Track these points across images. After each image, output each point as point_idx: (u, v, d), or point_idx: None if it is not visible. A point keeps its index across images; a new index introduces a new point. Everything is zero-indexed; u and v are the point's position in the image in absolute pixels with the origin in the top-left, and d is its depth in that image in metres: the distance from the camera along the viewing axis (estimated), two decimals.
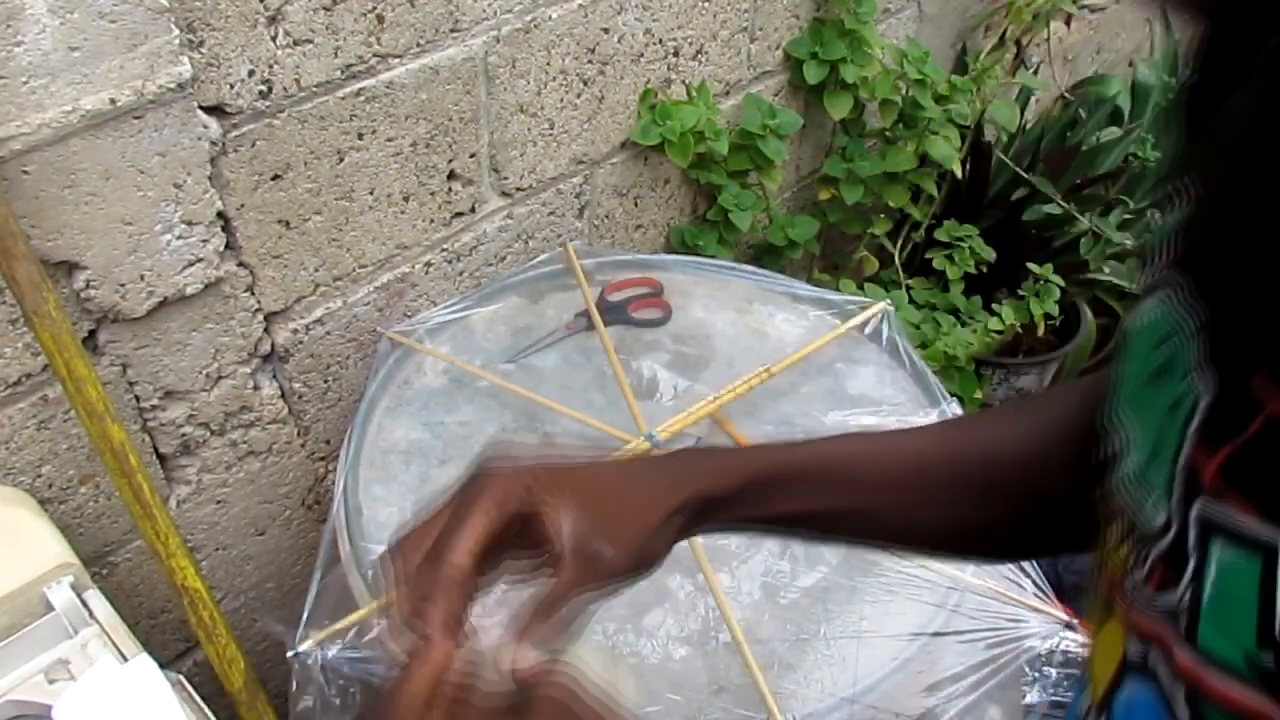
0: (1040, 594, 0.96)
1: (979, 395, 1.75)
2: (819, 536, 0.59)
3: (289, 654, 0.90)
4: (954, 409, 1.13)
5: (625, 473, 0.54)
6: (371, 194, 1.13)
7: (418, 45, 1.08)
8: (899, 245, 1.77)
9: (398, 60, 1.07)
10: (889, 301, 1.27)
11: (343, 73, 1.03)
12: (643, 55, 1.35)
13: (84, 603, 0.85)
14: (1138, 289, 0.43)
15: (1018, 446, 0.57)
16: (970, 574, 0.97)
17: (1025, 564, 0.98)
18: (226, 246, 1.01)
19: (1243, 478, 0.33)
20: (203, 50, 0.91)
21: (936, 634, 0.93)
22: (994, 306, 1.75)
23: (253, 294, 1.07)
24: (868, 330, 1.24)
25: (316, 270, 1.13)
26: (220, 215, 0.99)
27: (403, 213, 1.18)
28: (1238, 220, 0.35)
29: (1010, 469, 0.56)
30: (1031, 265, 1.77)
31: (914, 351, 1.20)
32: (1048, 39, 1.97)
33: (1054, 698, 0.94)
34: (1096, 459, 0.45)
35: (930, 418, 1.12)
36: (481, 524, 0.50)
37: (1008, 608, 0.94)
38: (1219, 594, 0.34)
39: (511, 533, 0.51)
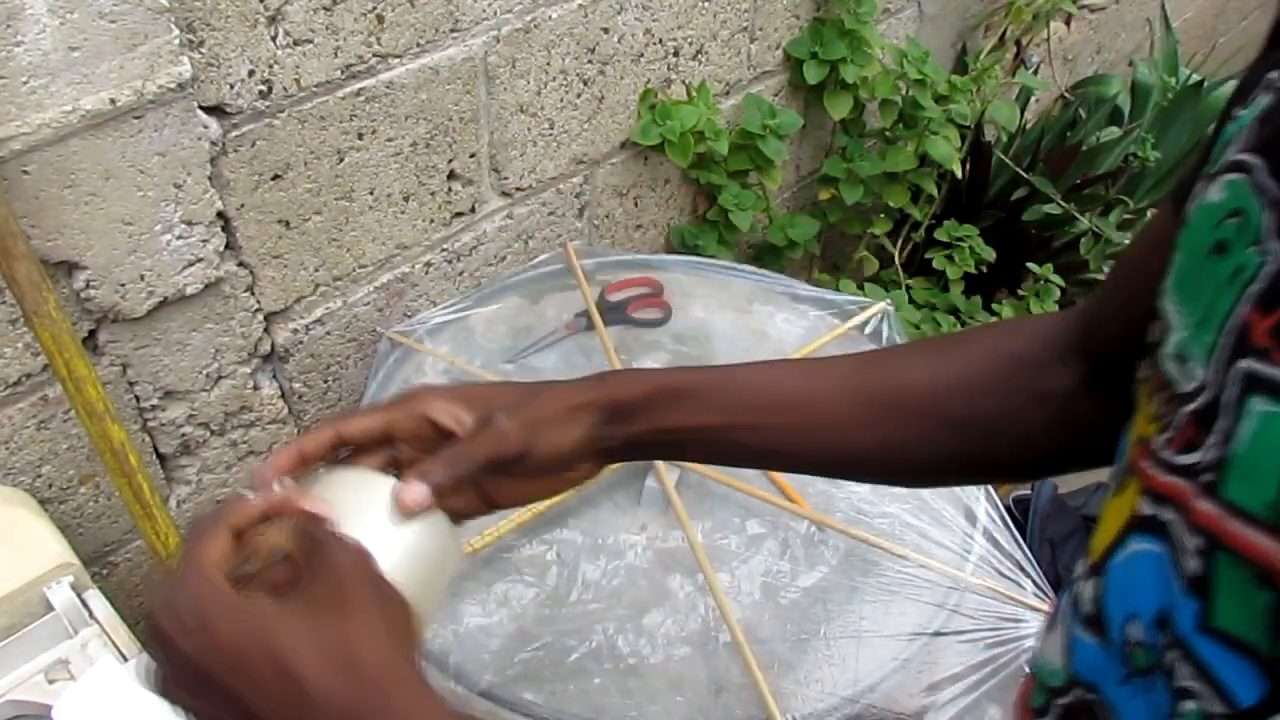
0: (1040, 594, 0.96)
1: None
2: (725, 454, 0.61)
3: None
4: None
5: (538, 385, 0.57)
6: (371, 194, 1.13)
7: (418, 45, 1.08)
8: (899, 245, 1.77)
9: (398, 60, 1.07)
10: (889, 301, 1.27)
11: (343, 73, 1.03)
12: (643, 55, 1.35)
13: (84, 603, 0.85)
14: (1185, 181, 0.45)
15: (932, 372, 0.58)
16: (970, 573, 0.97)
17: (1025, 564, 0.98)
18: (226, 246, 1.01)
19: None
20: (203, 50, 0.91)
21: (936, 634, 0.93)
22: (994, 306, 1.75)
23: (253, 294, 1.07)
24: (868, 330, 1.24)
25: (316, 270, 1.13)
26: (220, 215, 0.99)
27: (403, 213, 1.18)
28: None
29: (922, 393, 0.58)
30: (1031, 265, 1.77)
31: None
32: (1048, 39, 1.97)
33: None
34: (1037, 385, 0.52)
35: None
36: (384, 413, 0.55)
37: (1007, 607, 0.94)
38: (1254, 445, 0.35)
39: (424, 434, 0.55)
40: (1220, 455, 0.36)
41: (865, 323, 1.24)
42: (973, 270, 1.76)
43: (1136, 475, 0.41)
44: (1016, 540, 1.00)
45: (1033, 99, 2.14)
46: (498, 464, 0.55)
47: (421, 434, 0.55)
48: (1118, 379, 0.53)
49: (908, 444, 0.58)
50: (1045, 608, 0.95)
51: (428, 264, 1.25)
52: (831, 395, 0.58)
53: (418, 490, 0.51)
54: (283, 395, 1.17)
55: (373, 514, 0.50)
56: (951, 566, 0.98)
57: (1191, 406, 0.39)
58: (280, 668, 0.42)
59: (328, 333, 1.18)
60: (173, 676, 0.44)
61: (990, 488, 1.05)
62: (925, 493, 1.05)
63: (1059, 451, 0.59)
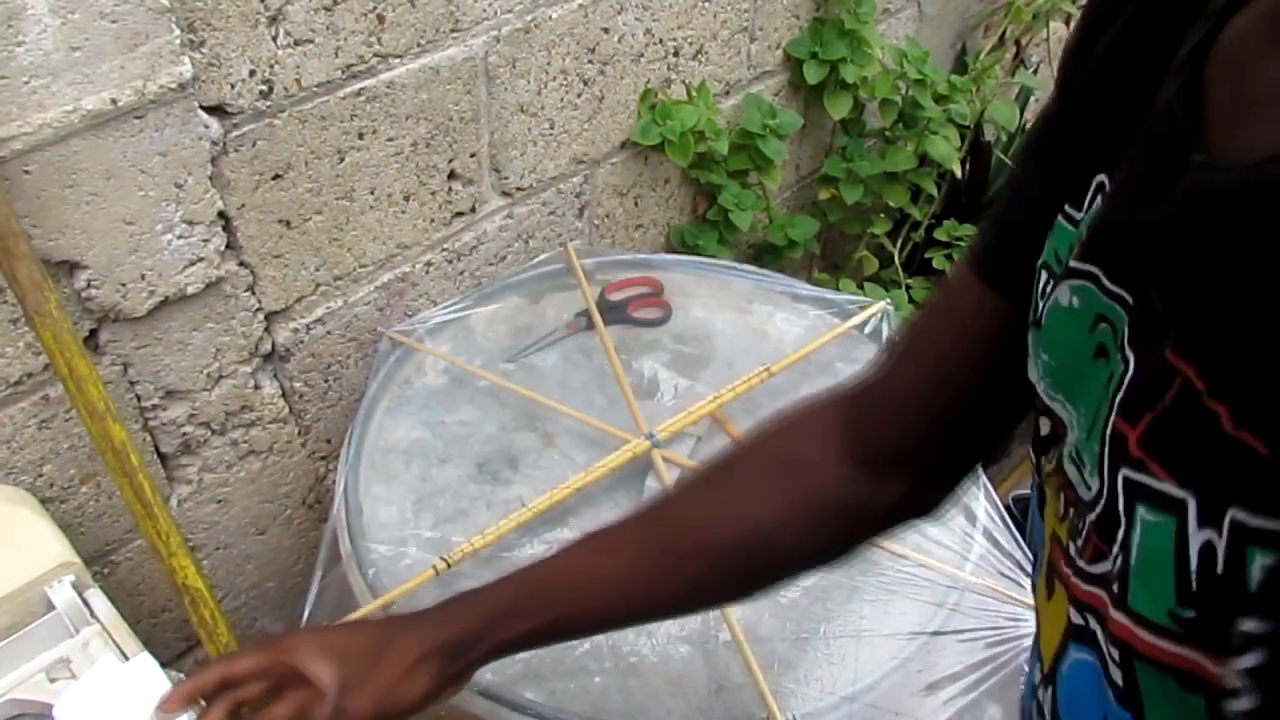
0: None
1: None
2: (564, 638, 0.67)
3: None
4: None
5: (386, 633, 0.63)
6: (372, 194, 1.13)
7: (418, 45, 1.08)
8: (899, 245, 1.77)
9: (398, 60, 1.07)
10: (888, 301, 1.27)
11: (343, 73, 1.03)
12: (643, 55, 1.35)
13: (85, 602, 0.85)
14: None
15: (707, 509, 0.63)
16: (969, 573, 0.97)
17: (1025, 564, 0.98)
18: (227, 246, 1.01)
19: (1160, 445, 0.35)
20: (203, 50, 0.91)
21: (936, 633, 0.93)
22: None
23: (253, 293, 1.07)
24: (868, 330, 1.24)
25: (317, 270, 1.13)
26: (221, 215, 0.99)
27: (403, 212, 1.18)
28: (1149, 213, 0.37)
29: (702, 531, 0.62)
30: None
31: None
32: (1047, 39, 1.97)
33: None
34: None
35: None
36: (263, 657, 0.62)
37: (1007, 607, 0.95)
38: (1143, 555, 0.36)
39: (284, 677, 0.62)
40: (1124, 565, 0.37)
41: (865, 322, 1.24)
42: None
43: (1062, 582, 0.42)
44: (1016, 540, 1.00)
45: (1033, 99, 2.14)
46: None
47: (291, 678, 0.62)
48: (887, 463, 0.57)
49: (703, 579, 0.62)
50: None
51: (428, 264, 1.25)
52: (627, 565, 0.62)
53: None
54: (283, 395, 1.17)
55: None
56: (951, 566, 0.98)
57: (1093, 515, 0.39)
58: None
59: (328, 332, 1.18)
60: None
61: (989, 486, 1.05)
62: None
63: (846, 537, 0.62)
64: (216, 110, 0.95)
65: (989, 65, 1.71)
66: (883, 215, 1.71)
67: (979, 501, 1.03)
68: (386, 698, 0.61)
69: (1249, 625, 0.32)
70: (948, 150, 1.62)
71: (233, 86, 0.94)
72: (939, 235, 1.78)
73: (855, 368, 1.20)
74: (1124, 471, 0.37)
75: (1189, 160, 0.35)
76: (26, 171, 0.84)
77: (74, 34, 0.80)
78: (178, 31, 0.87)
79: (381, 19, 1.03)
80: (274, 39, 0.95)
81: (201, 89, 0.92)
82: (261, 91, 0.97)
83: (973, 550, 0.99)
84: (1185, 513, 0.34)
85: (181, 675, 0.84)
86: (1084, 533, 0.40)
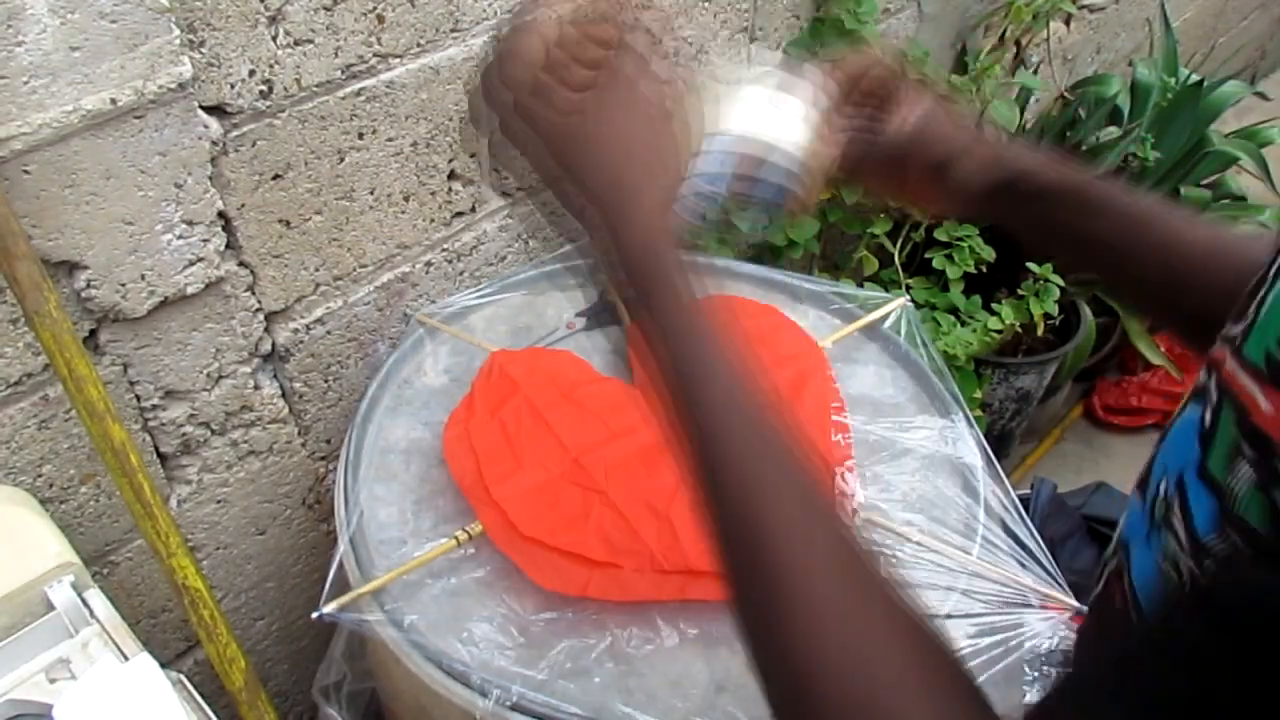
0: (1050, 580, 0.96)
1: (979, 395, 1.75)
2: (1066, 250, 0.72)
3: (314, 615, 0.90)
4: (959, 412, 1.13)
5: (977, 121, 0.70)
6: (372, 194, 1.13)
7: (418, 45, 1.08)
8: (899, 245, 1.77)
9: (398, 60, 1.07)
10: (907, 299, 1.26)
11: (343, 73, 1.03)
12: None
13: (85, 602, 0.85)
14: None
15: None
16: (976, 556, 0.97)
17: (1035, 552, 0.98)
18: (227, 246, 1.01)
19: None
20: (203, 50, 0.91)
21: (948, 616, 0.93)
22: (994, 306, 1.75)
23: (253, 293, 1.07)
24: (887, 324, 1.24)
25: (317, 270, 1.13)
26: (221, 215, 0.99)
27: (403, 212, 1.18)
28: None
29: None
30: (1031, 265, 1.77)
31: (933, 346, 1.20)
32: (1048, 39, 1.97)
33: None
34: None
35: (932, 420, 1.13)
36: (863, 60, 0.72)
37: (1015, 592, 0.95)
38: (1272, 306, 0.40)
39: (878, 91, 0.70)
40: (1253, 319, 0.41)
41: (882, 319, 1.24)
42: (972, 270, 1.76)
43: (1209, 356, 0.46)
44: (1026, 525, 1.01)
45: (1032, 99, 2.14)
46: (910, 159, 0.66)
47: (877, 90, 0.67)
48: None
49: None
50: (1053, 592, 0.95)
51: (428, 264, 1.25)
52: (1214, 266, 0.63)
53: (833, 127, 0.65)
54: (283, 395, 1.17)
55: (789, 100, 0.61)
56: (959, 550, 0.98)
57: (1251, 283, 0.44)
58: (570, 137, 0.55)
59: (328, 332, 1.18)
60: (498, 126, 0.60)
61: (1003, 474, 1.06)
62: (934, 477, 1.05)
63: None
64: (216, 110, 0.95)
65: (989, 65, 1.71)
66: (883, 215, 1.71)
67: (990, 488, 1.03)
68: (963, 155, 0.67)
69: None
70: None
71: (232, 86, 0.94)
72: (939, 235, 1.77)
73: (855, 368, 1.20)
74: None
75: None
76: (26, 171, 0.84)
77: (73, 34, 0.80)
78: (177, 31, 0.86)
79: (381, 19, 1.03)
80: (274, 39, 0.95)
81: (201, 89, 0.92)
82: (261, 91, 0.97)
83: (978, 534, 0.99)
84: None
85: (180, 676, 0.84)
86: (1245, 301, 0.44)
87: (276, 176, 1.03)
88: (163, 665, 0.78)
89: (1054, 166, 0.68)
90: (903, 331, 1.23)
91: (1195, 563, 0.39)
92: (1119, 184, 0.69)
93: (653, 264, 0.53)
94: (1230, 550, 0.37)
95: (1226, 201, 2.20)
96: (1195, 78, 2.16)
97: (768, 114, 0.63)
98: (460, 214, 1.25)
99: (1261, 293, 0.42)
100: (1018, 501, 1.03)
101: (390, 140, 1.11)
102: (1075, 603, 0.96)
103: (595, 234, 0.56)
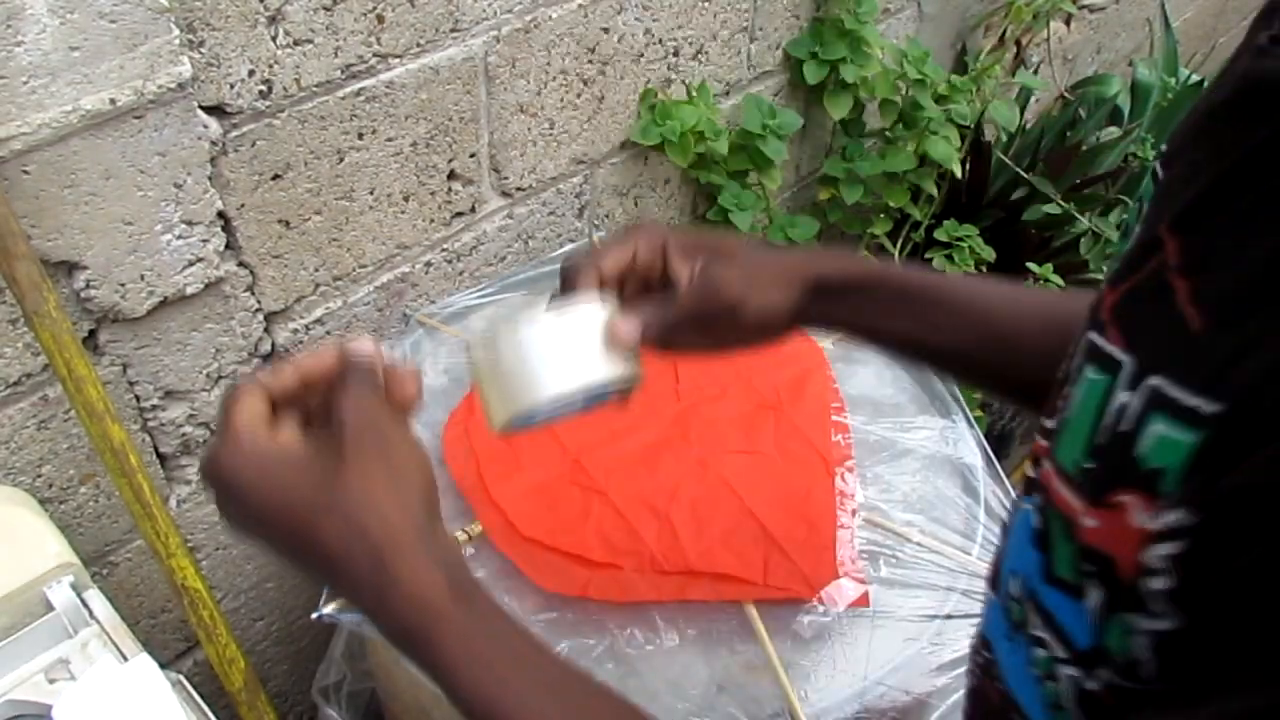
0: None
1: (979, 395, 1.75)
2: (907, 356, 0.69)
3: (313, 616, 0.90)
4: (959, 412, 1.13)
5: (753, 243, 0.66)
6: (371, 194, 1.13)
7: (418, 45, 1.08)
8: (899, 245, 1.77)
9: (398, 60, 1.07)
10: None
11: (343, 73, 1.03)
12: (643, 55, 1.35)
13: (84, 602, 0.85)
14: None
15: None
16: (975, 556, 0.97)
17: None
18: (226, 246, 1.01)
19: (1124, 311, 0.38)
20: (203, 50, 0.91)
21: (949, 616, 0.93)
22: None
23: (253, 294, 1.07)
24: None
25: (316, 270, 1.13)
26: (220, 215, 0.99)
27: (403, 213, 1.18)
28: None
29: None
30: (1031, 265, 1.77)
31: None
32: (1048, 39, 1.97)
33: None
34: None
35: (932, 420, 1.13)
36: (631, 246, 0.64)
37: None
38: (1076, 409, 0.39)
39: (653, 271, 0.64)
40: (1063, 419, 0.40)
41: None
42: (973, 270, 1.75)
43: (1034, 449, 0.45)
44: None
45: (1033, 99, 2.14)
46: (708, 316, 0.62)
47: (652, 269, 0.64)
48: None
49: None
50: None
51: (428, 264, 1.25)
52: (1038, 330, 0.62)
53: (629, 327, 0.60)
54: None
55: (580, 331, 0.58)
56: (959, 550, 0.98)
57: (1061, 374, 0.42)
58: (292, 521, 0.47)
59: (328, 333, 1.18)
60: (227, 521, 0.50)
61: (1002, 472, 1.06)
62: (934, 477, 1.05)
63: None
64: (216, 110, 0.95)
65: (989, 65, 1.71)
66: (883, 215, 1.71)
67: (990, 488, 1.04)
68: (751, 287, 0.62)
69: (1123, 498, 0.34)
70: (948, 150, 1.61)
71: (232, 86, 0.94)
72: (939, 235, 1.77)
73: (855, 368, 1.20)
74: (1090, 334, 0.39)
75: (1256, 42, 0.37)
76: (25, 172, 0.84)
77: (73, 34, 0.80)
78: (177, 31, 0.86)
79: (381, 19, 1.03)
80: (273, 39, 0.95)
81: (201, 89, 0.92)
82: (261, 91, 0.97)
83: (978, 534, 0.99)
84: (1118, 374, 0.36)
85: (180, 676, 0.84)
86: (1055, 393, 0.43)
87: (276, 176, 1.03)
88: (162, 666, 0.78)
89: (852, 264, 0.65)
90: None
91: (1084, 672, 0.37)
92: (929, 270, 0.67)
93: (431, 619, 0.47)
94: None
95: None
96: (1195, 78, 2.16)
97: (565, 361, 0.58)
98: (460, 214, 1.25)
99: (1067, 387, 0.40)
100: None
101: (390, 140, 1.11)
102: None
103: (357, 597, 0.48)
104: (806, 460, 1.05)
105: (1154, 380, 0.34)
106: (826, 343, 1.20)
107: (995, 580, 0.47)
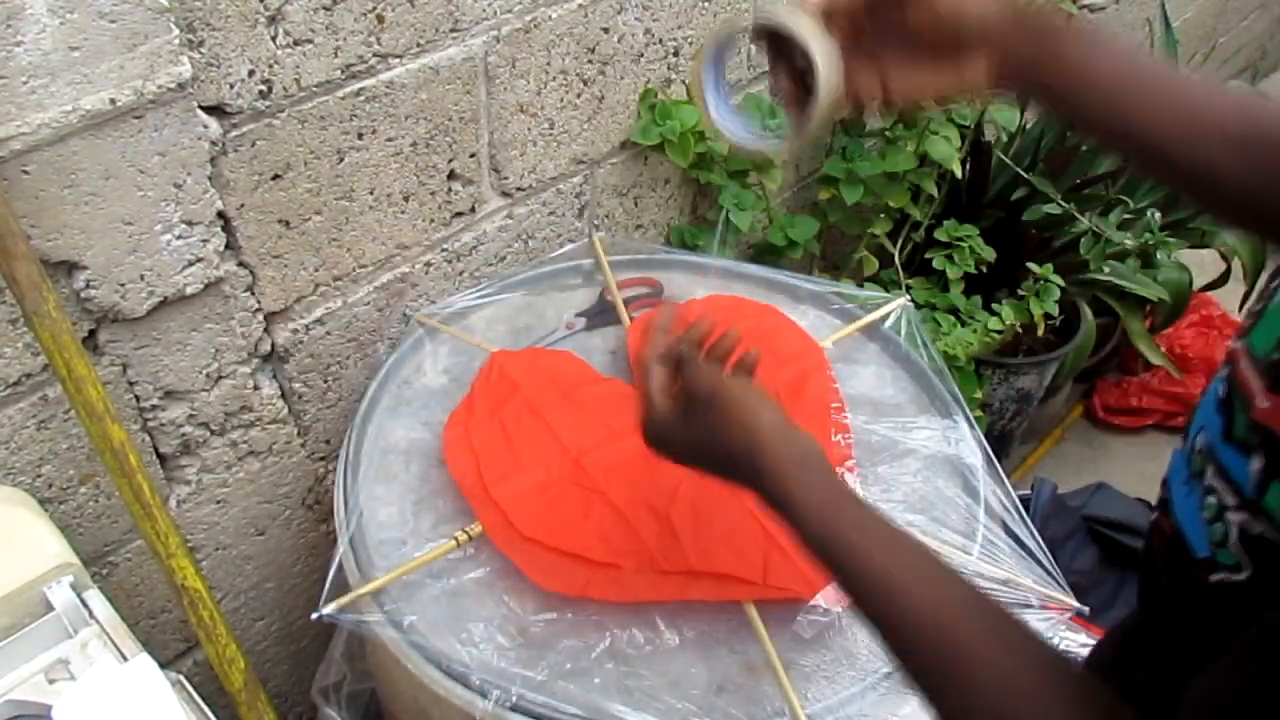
0: (1050, 580, 0.96)
1: (979, 395, 1.75)
2: (1086, 126, 0.70)
3: (313, 616, 0.90)
4: (959, 413, 1.13)
5: None
6: (371, 194, 1.13)
7: (418, 45, 1.08)
8: (899, 245, 1.77)
9: (398, 60, 1.07)
10: (907, 298, 1.26)
11: (343, 73, 1.03)
12: (643, 55, 1.35)
13: (84, 602, 0.85)
14: None
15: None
16: (976, 556, 0.97)
17: (1035, 552, 0.98)
18: (226, 246, 1.01)
19: None
20: (203, 50, 0.91)
21: None
22: (994, 306, 1.75)
23: (253, 294, 1.07)
24: (888, 324, 1.24)
25: (316, 270, 1.13)
26: (220, 215, 0.99)
27: (403, 213, 1.18)
28: None
29: None
30: (1031, 265, 1.77)
31: (933, 346, 1.20)
32: None
33: None
34: None
35: (933, 421, 1.13)
36: None
37: (1012, 591, 0.95)
38: (1275, 309, 0.47)
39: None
40: (1265, 307, 0.48)
41: (883, 319, 1.24)
42: (973, 270, 1.76)
43: (1239, 326, 0.53)
44: (1026, 525, 1.00)
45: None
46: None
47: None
48: None
49: (1260, 189, 0.64)
50: (1053, 593, 0.95)
51: (428, 264, 1.25)
52: (1219, 133, 0.63)
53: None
54: (283, 395, 1.17)
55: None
56: (959, 550, 0.98)
57: (1273, 269, 0.51)
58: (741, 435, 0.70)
59: (328, 333, 1.18)
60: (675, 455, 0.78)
61: (1003, 473, 1.06)
62: (935, 477, 1.05)
63: None
64: (215, 110, 0.95)
65: None
66: (883, 215, 1.71)
67: (990, 488, 1.03)
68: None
69: None
70: (948, 150, 1.61)
71: (232, 86, 0.94)
72: (939, 235, 1.77)
73: (855, 369, 1.20)
74: None
75: None
76: (25, 172, 0.84)
77: (73, 34, 0.80)
78: (176, 31, 0.86)
79: (381, 19, 1.03)
80: (273, 39, 0.95)
81: (200, 89, 0.92)
82: (261, 91, 0.97)
83: (978, 534, 0.99)
84: None
85: (180, 676, 0.84)
86: (1266, 284, 0.50)
87: (276, 176, 1.03)
88: (162, 666, 0.78)
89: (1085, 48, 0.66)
90: (903, 332, 1.22)
91: (1250, 516, 0.45)
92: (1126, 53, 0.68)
93: (830, 506, 0.66)
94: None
95: None
96: None
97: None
98: (460, 214, 1.25)
99: (1276, 281, 0.47)
100: (1018, 501, 1.03)
101: (390, 140, 1.11)
102: (1075, 603, 0.95)
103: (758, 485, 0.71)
104: None
105: None
106: (827, 343, 1.20)
107: (1185, 432, 0.55)
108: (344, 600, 0.92)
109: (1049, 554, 0.98)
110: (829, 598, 0.92)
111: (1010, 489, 1.04)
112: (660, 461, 1.02)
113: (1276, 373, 0.45)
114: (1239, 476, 0.46)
